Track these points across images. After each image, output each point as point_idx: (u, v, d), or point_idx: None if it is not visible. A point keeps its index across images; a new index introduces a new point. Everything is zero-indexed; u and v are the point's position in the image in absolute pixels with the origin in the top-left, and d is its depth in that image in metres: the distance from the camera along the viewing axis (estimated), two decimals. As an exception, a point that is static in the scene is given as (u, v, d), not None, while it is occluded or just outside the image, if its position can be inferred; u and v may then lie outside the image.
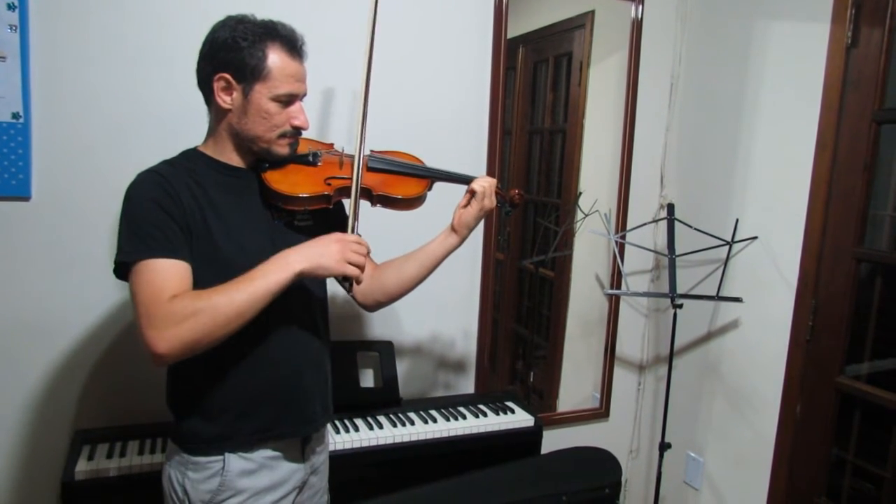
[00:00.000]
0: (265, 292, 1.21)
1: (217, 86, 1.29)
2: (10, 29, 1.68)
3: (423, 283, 1.55)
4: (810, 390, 2.07)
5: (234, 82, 1.28)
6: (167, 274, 1.20)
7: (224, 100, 1.30)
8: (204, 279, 1.26)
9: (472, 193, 1.52)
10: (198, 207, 1.27)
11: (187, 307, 1.16)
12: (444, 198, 1.63)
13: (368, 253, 1.37)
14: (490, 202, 1.52)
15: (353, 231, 1.38)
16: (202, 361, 1.25)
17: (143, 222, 1.22)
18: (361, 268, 1.32)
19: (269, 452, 1.37)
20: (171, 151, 1.37)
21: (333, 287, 1.59)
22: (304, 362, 1.41)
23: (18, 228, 1.76)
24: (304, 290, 1.41)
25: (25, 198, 1.75)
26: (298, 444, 1.43)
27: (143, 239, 1.21)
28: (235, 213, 1.33)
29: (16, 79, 1.69)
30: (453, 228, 1.53)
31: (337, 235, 1.32)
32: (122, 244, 1.23)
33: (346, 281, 1.40)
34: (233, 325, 1.19)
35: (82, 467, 1.64)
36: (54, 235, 1.79)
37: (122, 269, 1.24)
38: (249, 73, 1.27)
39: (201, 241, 1.27)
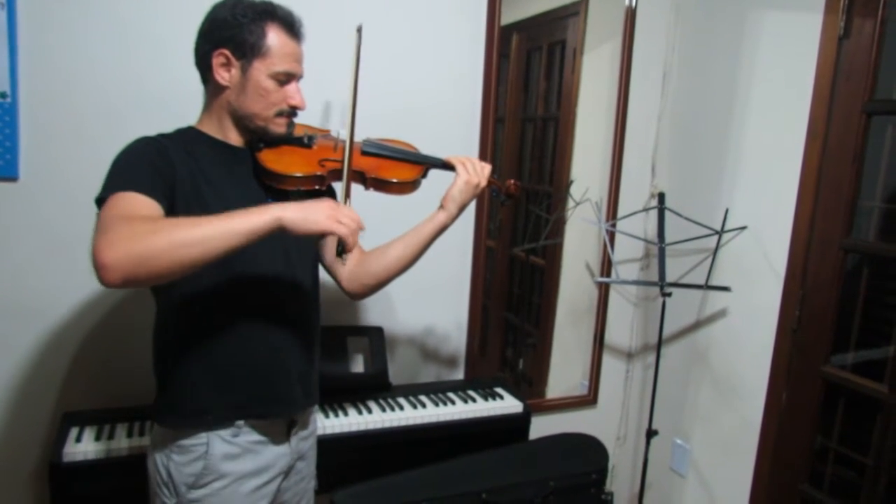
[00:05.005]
0: (237, 231, 1.10)
1: (216, 62, 1.29)
2: (-3, 6, 1.65)
3: (413, 265, 1.55)
4: (796, 379, 2.09)
5: (233, 59, 1.29)
6: (139, 205, 1.15)
7: (222, 76, 1.30)
8: None
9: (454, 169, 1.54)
10: (190, 176, 1.27)
11: (146, 223, 1.09)
12: (440, 187, 1.62)
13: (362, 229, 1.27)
14: (476, 178, 1.53)
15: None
16: (184, 331, 1.25)
17: (128, 166, 1.21)
18: (354, 233, 1.20)
19: (253, 437, 1.37)
20: (163, 131, 1.36)
21: (325, 273, 1.59)
22: (286, 343, 1.40)
23: (5, 209, 1.74)
24: (293, 270, 1.41)
25: (13, 178, 1.73)
26: (283, 429, 1.43)
27: (124, 177, 1.18)
28: (229, 187, 1.33)
29: (3, 57, 1.67)
30: (442, 206, 1.54)
31: (329, 199, 1.25)
32: (102, 186, 1.19)
33: (339, 252, 1.26)
34: (190, 251, 1.06)
35: (70, 450, 1.63)
36: (42, 216, 1.77)
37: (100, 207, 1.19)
38: (249, 50, 1.28)
39: (193, 207, 1.25)
